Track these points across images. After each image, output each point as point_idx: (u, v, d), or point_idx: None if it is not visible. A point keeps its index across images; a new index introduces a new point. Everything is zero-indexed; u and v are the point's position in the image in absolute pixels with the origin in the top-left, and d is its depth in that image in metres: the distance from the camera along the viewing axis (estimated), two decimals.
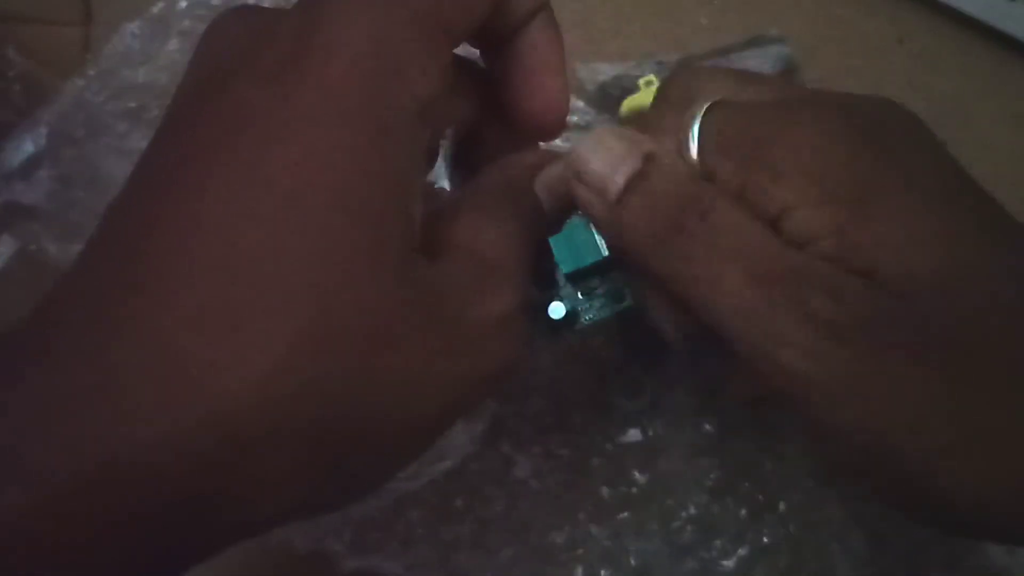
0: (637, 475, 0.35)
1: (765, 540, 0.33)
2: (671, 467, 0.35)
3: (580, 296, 0.27)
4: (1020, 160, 0.40)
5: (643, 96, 0.38)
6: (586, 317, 0.28)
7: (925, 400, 0.20)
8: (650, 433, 0.35)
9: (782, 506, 0.34)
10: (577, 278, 0.27)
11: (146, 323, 0.18)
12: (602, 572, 0.34)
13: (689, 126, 0.23)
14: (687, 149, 0.23)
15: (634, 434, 0.35)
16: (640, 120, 0.27)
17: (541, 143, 0.28)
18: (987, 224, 0.22)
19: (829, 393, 0.20)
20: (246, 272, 0.18)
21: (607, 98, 0.41)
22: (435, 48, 0.21)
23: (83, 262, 0.20)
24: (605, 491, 0.35)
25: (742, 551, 0.33)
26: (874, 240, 0.20)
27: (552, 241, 0.26)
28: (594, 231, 0.26)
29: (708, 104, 0.23)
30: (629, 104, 0.38)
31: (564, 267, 0.26)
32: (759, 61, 0.42)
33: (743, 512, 0.34)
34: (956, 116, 0.41)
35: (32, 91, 0.38)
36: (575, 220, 0.27)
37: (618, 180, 0.22)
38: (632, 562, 0.34)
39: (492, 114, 0.26)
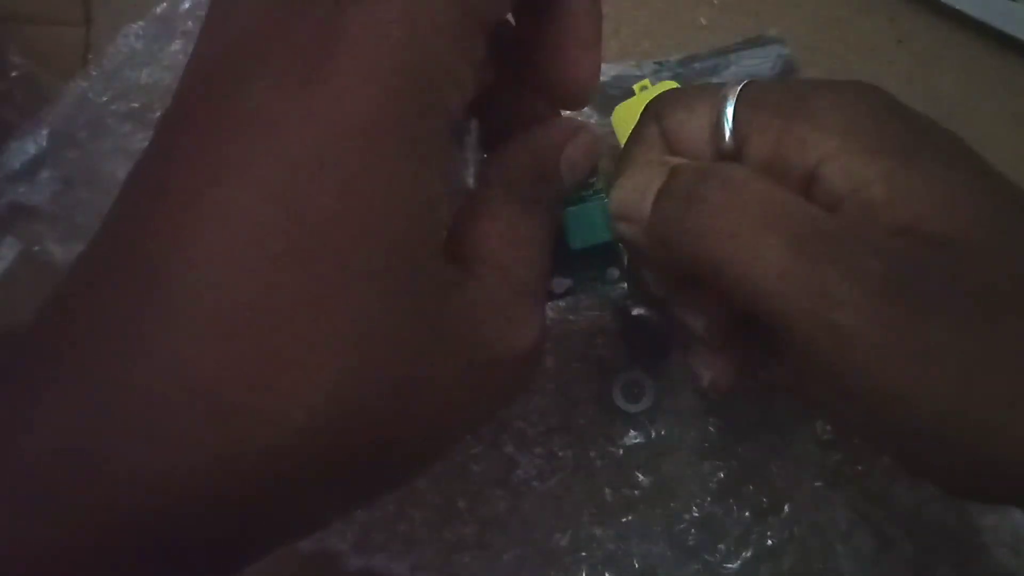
0: (641, 477, 0.35)
1: (770, 543, 0.33)
2: (675, 469, 0.35)
3: (581, 271, 0.27)
4: (1020, 160, 0.40)
5: (637, 100, 0.37)
6: (582, 291, 0.28)
7: (976, 361, 0.19)
8: (653, 435, 0.35)
9: (787, 508, 0.34)
10: (581, 255, 0.26)
11: (183, 366, 0.17)
12: (606, 574, 0.34)
13: (726, 99, 0.23)
14: (722, 121, 0.23)
15: (638, 436, 0.36)
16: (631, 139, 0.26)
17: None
18: (1009, 191, 0.22)
19: (882, 353, 0.19)
20: (285, 316, 0.17)
21: (607, 98, 0.41)
22: (470, 49, 0.20)
23: (83, 268, 0.19)
24: (609, 493, 0.35)
25: (746, 553, 0.33)
26: (922, 189, 0.20)
27: (568, 214, 0.25)
28: (607, 210, 0.25)
29: (741, 85, 0.23)
30: (621, 112, 0.37)
31: (574, 244, 0.26)
32: (759, 61, 0.42)
33: (747, 514, 0.34)
34: (956, 116, 0.41)
35: (34, 92, 0.38)
36: (592, 198, 0.26)
37: (645, 207, 0.22)
38: (636, 564, 0.34)
39: (510, 76, 0.25)
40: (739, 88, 0.23)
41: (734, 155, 0.23)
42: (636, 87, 0.38)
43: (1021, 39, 0.42)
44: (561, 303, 0.36)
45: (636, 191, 0.23)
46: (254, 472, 0.17)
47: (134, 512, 0.17)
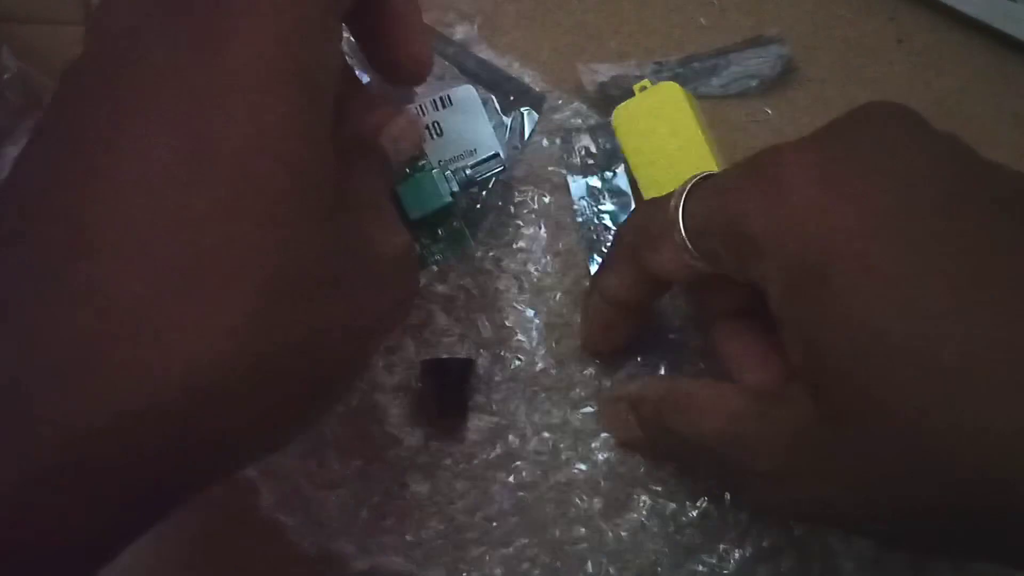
0: (642, 475, 0.35)
1: (765, 544, 0.33)
2: (675, 468, 0.35)
3: (423, 240, 0.31)
4: (1020, 160, 0.40)
5: (637, 101, 0.37)
6: (431, 260, 0.32)
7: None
8: None
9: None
10: (422, 224, 0.30)
11: (107, 290, 0.18)
12: (611, 569, 0.34)
13: (675, 212, 0.27)
14: (676, 234, 0.27)
15: None
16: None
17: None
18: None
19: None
20: (201, 234, 0.19)
21: (607, 98, 0.40)
22: (336, 12, 0.23)
23: (17, 223, 0.20)
24: (611, 492, 0.35)
25: (745, 553, 0.33)
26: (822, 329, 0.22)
27: (400, 189, 0.29)
28: (437, 179, 0.30)
29: (689, 184, 0.27)
30: (621, 112, 0.37)
31: (411, 214, 0.30)
32: (759, 61, 0.42)
33: (743, 516, 0.34)
34: (956, 116, 0.41)
35: (29, 94, 0.38)
36: (419, 171, 0.30)
37: (639, 436, 0.32)
38: (638, 560, 0.34)
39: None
40: (681, 217, 0.27)
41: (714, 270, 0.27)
42: (636, 87, 0.38)
43: (1021, 39, 0.42)
44: None
45: (625, 431, 0.33)
46: (192, 381, 0.18)
47: (61, 449, 0.17)
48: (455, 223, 0.32)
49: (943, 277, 0.20)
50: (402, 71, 0.28)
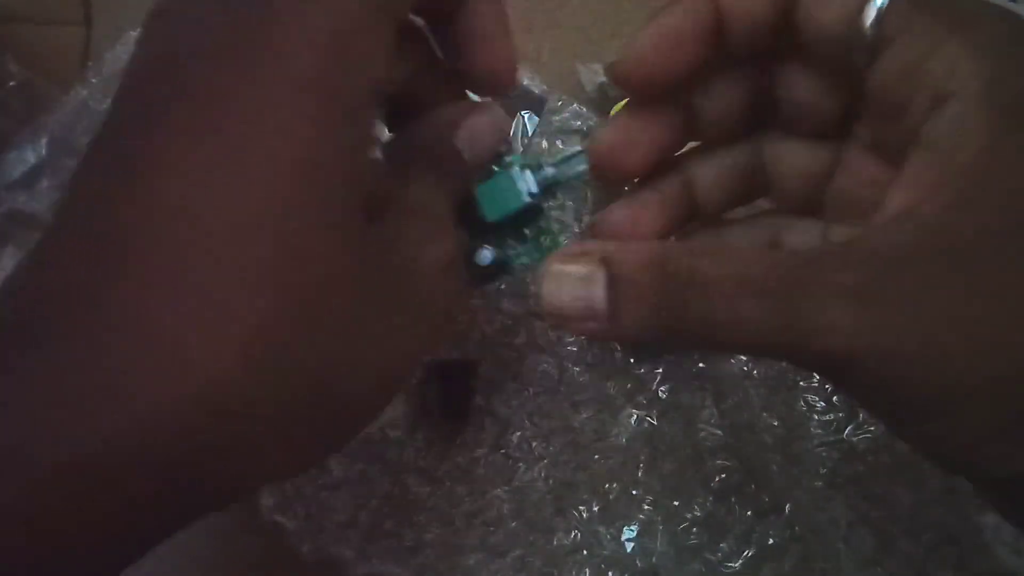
0: (642, 477, 0.35)
1: (771, 541, 0.33)
2: (677, 468, 0.35)
3: (509, 242, 0.29)
4: None
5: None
6: (517, 262, 0.29)
7: (967, 338, 0.19)
8: (655, 435, 0.35)
9: (788, 508, 0.34)
10: (503, 225, 0.28)
11: (130, 306, 0.19)
12: (609, 573, 0.34)
13: None
14: (869, 11, 0.21)
15: (639, 435, 0.36)
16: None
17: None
18: None
19: (879, 361, 0.19)
20: (220, 250, 0.19)
21: (607, 99, 0.41)
22: (384, 30, 0.22)
23: (53, 243, 0.20)
24: (611, 493, 0.35)
25: (749, 552, 0.33)
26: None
27: (478, 190, 0.27)
28: (515, 178, 0.27)
29: None
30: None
31: (489, 215, 0.27)
32: None
33: (749, 513, 0.34)
34: None
35: (32, 100, 0.38)
36: (500, 169, 0.28)
37: (598, 303, 0.21)
38: (639, 564, 0.34)
39: (425, 71, 0.27)
40: None
41: (869, 52, 0.22)
42: (612, 112, 0.38)
43: None
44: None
45: (576, 298, 0.21)
46: (205, 396, 0.19)
47: (98, 453, 0.18)
48: (542, 224, 0.28)
49: None
50: (489, 83, 0.27)
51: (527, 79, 0.41)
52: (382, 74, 0.22)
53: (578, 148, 0.29)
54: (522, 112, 0.39)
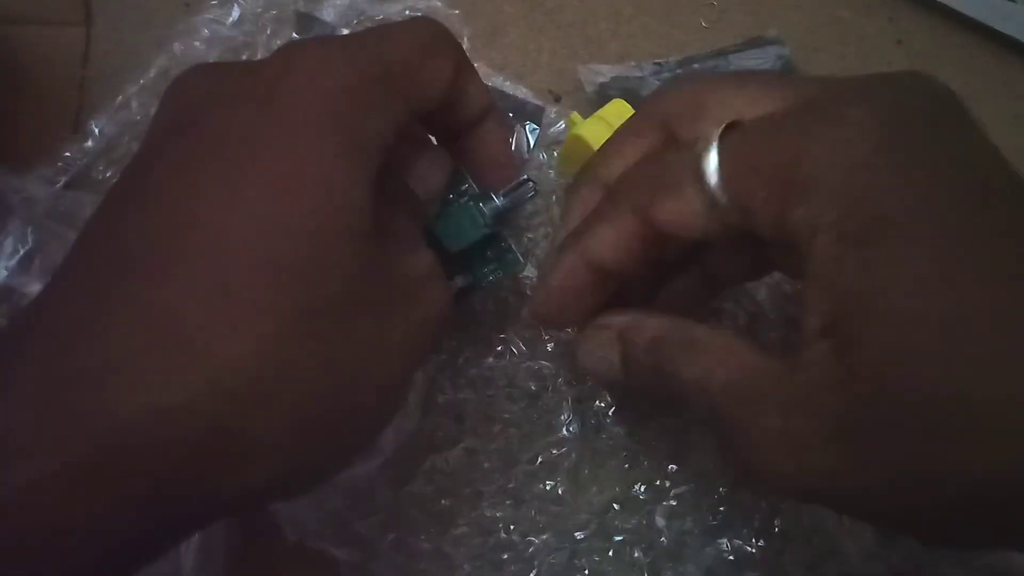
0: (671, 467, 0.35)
1: (791, 528, 0.34)
2: (699, 458, 0.35)
3: (475, 264, 0.31)
4: (1020, 160, 0.40)
5: (572, 138, 0.36)
6: (485, 281, 0.32)
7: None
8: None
9: (788, 506, 0.34)
10: (466, 252, 0.30)
11: (144, 299, 0.20)
12: (636, 552, 0.34)
13: (703, 154, 0.25)
14: (703, 178, 0.24)
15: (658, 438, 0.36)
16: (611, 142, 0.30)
17: None
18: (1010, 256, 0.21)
19: (813, 491, 0.23)
20: (238, 251, 0.20)
21: (606, 99, 0.40)
22: (395, 101, 0.25)
23: (73, 259, 0.22)
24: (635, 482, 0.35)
25: (762, 540, 0.34)
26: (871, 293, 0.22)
27: (437, 224, 0.30)
28: (469, 212, 0.30)
29: (722, 127, 0.25)
30: (566, 154, 0.37)
31: (451, 247, 0.30)
32: (758, 62, 0.42)
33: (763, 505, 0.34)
34: None
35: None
36: (454, 204, 0.30)
37: (617, 371, 0.28)
38: (664, 542, 0.34)
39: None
40: (716, 153, 0.24)
41: (743, 222, 0.25)
42: (571, 120, 0.37)
43: (1021, 40, 0.42)
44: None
45: (602, 363, 0.29)
46: (220, 390, 0.19)
47: (113, 443, 0.18)
48: (503, 243, 0.31)
49: (978, 267, 0.21)
50: (490, 184, 0.31)
51: (521, 92, 0.40)
52: (389, 133, 0.25)
53: (524, 177, 0.31)
54: (523, 125, 0.39)
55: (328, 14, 0.41)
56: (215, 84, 0.24)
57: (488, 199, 0.30)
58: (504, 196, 0.30)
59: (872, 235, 0.21)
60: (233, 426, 0.20)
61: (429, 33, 0.27)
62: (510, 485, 0.35)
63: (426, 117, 0.27)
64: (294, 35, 0.40)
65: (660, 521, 0.34)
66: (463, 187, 0.30)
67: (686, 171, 0.25)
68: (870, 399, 0.21)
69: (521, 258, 0.32)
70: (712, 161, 0.24)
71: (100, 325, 0.19)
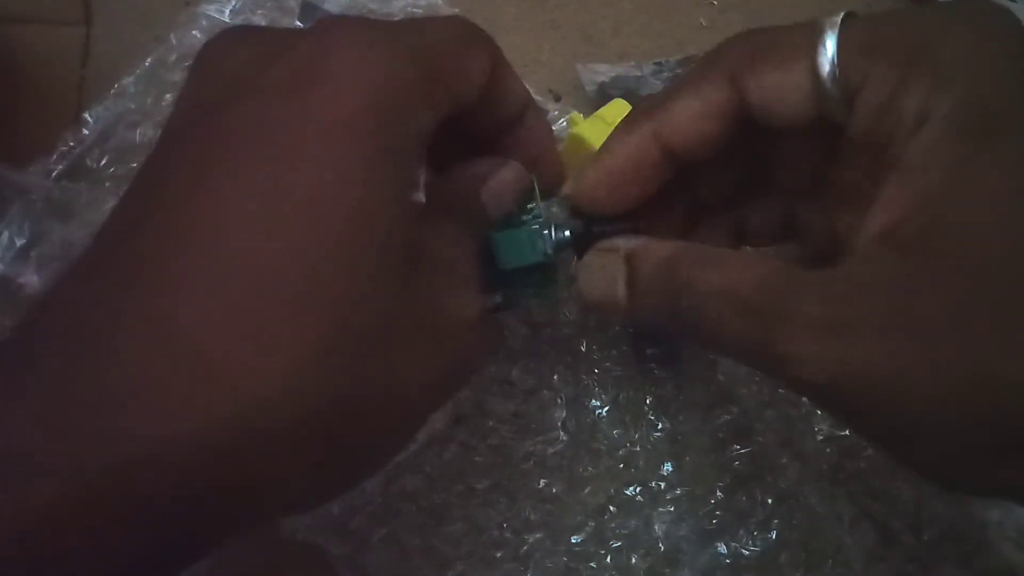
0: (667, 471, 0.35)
1: (786, 532, 0.33)
2: (695, 460, 0.35)
3: (516, 283, 0.29)
4: None
5: (571, 138, 0.36)
6: (523, 302, 0.30)
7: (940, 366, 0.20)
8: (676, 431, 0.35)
9: (790, 505, 0.34)
10: (513, 272, 0.28)
11: (162, 316, 0.19)
12: (633, 557, 0.34)
13: (822, 31, 0.23)
14: (817, 53, 0.23)
15: (660, 432, 0.35)
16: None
17: None
18: None
19: (846, 390, 0.21)
20: (267, 277, 0.19)
21: (606, 99, 0.40)
22: (438, 93, 0.23)
23: (87, 265, 0.20)
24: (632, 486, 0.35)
25: (759, 544, 0.33)
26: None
27: (496, 237, 0.28)
28: (535, 237, 0.28)
29: (842, 15, 0.23)
30: (566, 154, 0.36)
31: (504, 264, 0.28)
32: None
33: (770, 501, 0.34)
34: None
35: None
36: (523, 220, 0.28)
37: (620, 296, 0.26)
38: (661, 547, 0.34)
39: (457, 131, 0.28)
40: (837, 30, 0.23)
41: (842, 111, 0.23)
42: (571, 119, 0.37)
43: None
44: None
45: (605, 290, 0.26)
46: (244, 420, 0.19)
47: (129, 467, 0.18)
48: (551, 273, 0.29)
49: None
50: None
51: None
52: (430, 126, 0.23)
53: (624, 224, 0.29)
54: None
55: (332, 7, 0.41)
56: (244, 61, 0.22)
57: (558, 227, 0.28)
58: (595, 227, 0.28)
59: (987, 134, 0.20)
60: (252, 460, 0.19)
61: (463, 25, 0.26)
62: (503, 482, 0.34)
63: (462, 116, 0.25)
64: (297, 23, 0.41)
65: (657, 527, 0.34)
66: (529, 205, 0.28)
67: (799, 44, 0.24)
68: (946, 292, 0.20)
69: (561, 290, 0.30)
70: (831, 37, 0.23)
71: (118, 342, 0.18)
